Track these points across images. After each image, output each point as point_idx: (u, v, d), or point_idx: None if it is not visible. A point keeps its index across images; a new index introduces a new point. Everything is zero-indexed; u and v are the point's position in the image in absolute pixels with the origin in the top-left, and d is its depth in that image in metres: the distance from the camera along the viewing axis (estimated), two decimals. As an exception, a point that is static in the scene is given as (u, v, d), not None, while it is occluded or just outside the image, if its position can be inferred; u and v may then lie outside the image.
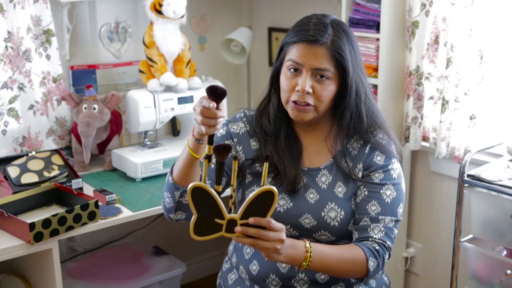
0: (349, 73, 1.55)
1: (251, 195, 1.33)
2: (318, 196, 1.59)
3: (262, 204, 1.33)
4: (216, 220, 1.34)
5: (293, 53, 1.55)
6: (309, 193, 1.60)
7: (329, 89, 1.55)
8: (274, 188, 1.33)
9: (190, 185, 1.32)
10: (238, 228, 1.34)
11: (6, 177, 2.12)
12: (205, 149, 1.42)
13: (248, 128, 1.70)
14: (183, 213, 1.61)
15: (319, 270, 1.50)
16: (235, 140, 1.68)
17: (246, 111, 1.74)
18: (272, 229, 1.35)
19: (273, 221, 1.35)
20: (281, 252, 1.39)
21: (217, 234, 1.36)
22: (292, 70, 1.56)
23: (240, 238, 1.36)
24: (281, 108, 1.64)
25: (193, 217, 1.34)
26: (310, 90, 1.53)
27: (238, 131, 1.69)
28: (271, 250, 1.37)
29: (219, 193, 1.35)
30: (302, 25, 1.57)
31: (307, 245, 1.46)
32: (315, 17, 1.58)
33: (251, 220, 1.33)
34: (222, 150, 1.34)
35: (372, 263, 1.52)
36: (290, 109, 1.58)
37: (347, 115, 1.59)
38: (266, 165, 1.33)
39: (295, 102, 1.55)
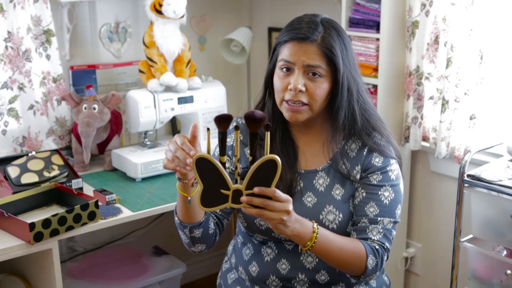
0: (339, 70, 1.54)
1: (254, 165, 1.32)
2: (315, 199, 1.59)
3: (266, 174, 1.33)
4: (222, 191, 1.35)
5: (285, 53, 1.56)
6: (306, 196, 1.60)
7: (322, 86, 1.54)
8: (277, 157, 1.32)
9: (195, 155, 1.34)
10: (243, 198, 1.34)
11: (6, 177, 2.12)
12: (194, 187, 1.49)
13: (241, 137, 1.69)
14: (202, 244, 1.64)
15: (320, 254, 1.49)
16: (229, 153, 1.68)
17: (238, 119, 1.72)
18: (278, 199, 1.35)
19: (278, 191, 1.35)
20: (288, 225, 1.39)
21: (224, 204, 1.36)
22: (284, 69, 1.56)
23: (246, 208, 1.36)
24: (276, 110, 1.64)
25: (199, 188, 1.36)
26: (303, 88, 1.53)
27: (231, 143, 1.68)
28: (277, 221, 1.37)
29: (223, 164, 1.35)
30: (293, 24, 1.58)
31: (315, 226, 1.46)
32: (306, 17, 1.59)
33: (255, 189, 1.33)
34: (223, 120, 1.35)
35: (371, 261, 1.52)
36: (284, 110, 1.58)
37: (341, 114, 1.58)
38: (267, 134, 1.33)
39: (288, 102, 1.55)
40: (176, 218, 1.61)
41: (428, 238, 2.59)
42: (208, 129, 1.37)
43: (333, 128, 1.61)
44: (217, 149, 1.47)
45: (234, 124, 1.68)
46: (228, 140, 1.68)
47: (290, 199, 1.38)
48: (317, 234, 1.45)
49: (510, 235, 1.91)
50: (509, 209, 1.88)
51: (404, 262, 2.64)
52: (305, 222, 1.45)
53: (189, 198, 1.52)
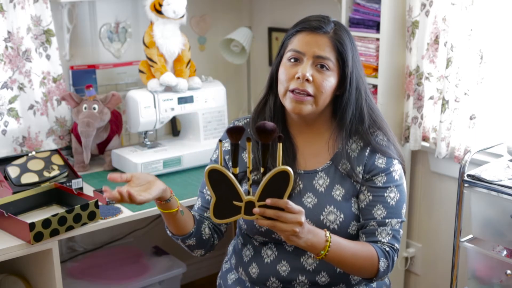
0: (348, 65, 1.54)
1: (266, 176, 1.33)
2: (316, 200, 1.58)
3: (278, 185, 1.33)
4: (234, 202, 1.35)
5: (295, 43, 1.55)
6: (306, 197, 1.59)
7: (329, 80, 1.54)
8: (289, 168, 1.32)
9: (208, 167, 1.34)
10: (256, 209, 1.34)
11: (6, 177, 2.12)
12: (177, 203, 1.52)
13: (239, 142, 1.69)
14: (200, 250, 1.67)
15: (333, 261, 1.49)
16: (226, 157, 1.67)
17: (236, 122, 1.72)
18: (290, 211, 1.35)
19: (290, 203, 1.35)
20: (301, 236, 1.39)
21: (237, 216, 1.37)
22: (292, 60, 1.55)
23: (259, 220, 1.36)
24: (277, 108, 1.63)
25: (212, 199, 1.36)
26: (310, 78, 1.52)
27: (229, 148, 1.68)
28: (289, 233, 1.36)
29: (236, 176, 1.35)
30: (304, 19, 1.59)
31: (327, 234, 1.46)
32: (317, 15, 1.60)
33: (268, 201, 1.33)
34: (235, 132, 1.35)
35: (383, 264, 1.52)
36: (288, 101, 1.56)
37: (349, 112, 1.58)
38: (280, 146, 1.32)
39: (293, 91, 1.53)
40: (168, 232, 1.64)
41: (428, 238, 2.58)
42: (220, 140, 1.38)
43: (339, 126, 1.61)
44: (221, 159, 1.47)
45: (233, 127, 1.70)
46: (225, 145, 1.68)
47: (303, 210, 1.38)
48: (330, 242, 1.45)
49: (510, 235, 1.90)
50: (509, 209, 1.88)
51: (404, 262, 2.64)
52: (318, 231, 1.45)
53: (180, 209, 1.54)
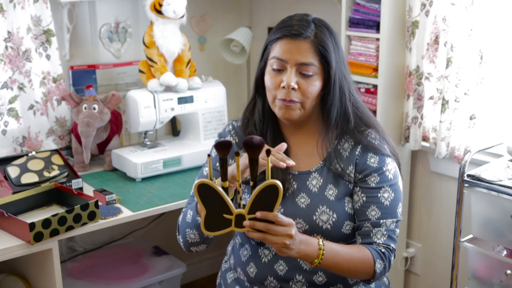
0: (332, 67, 1.54)
1: (255, 190, 1.34)
2: (309, 200, 1.58)
3: (268, 198, 1.34)
4: (225, 215, 1.36)
5: (277, 50, 1.55)
6: (300, 197, 1.59)
7: (314, 84, 1.54)
8: (278, 182, 1.33)
9: (196, 182, 1.35)
10: (246, 222, 1.35)
11: (6, 177, 2.12)
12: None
13: (237, 140, 1.69)
14: (204, 245, 1.65)
15: (328, 268, 1.49)
16: (216, 159, 1.67)
17: (234, 122, 1.73)
18: (280, 224, 1.35)
19: (280, 216, 1.35)
20: (292, 248, 1.39)
21: (228, 229, 1.38)
22: (276, 67, 1.55)
23: (249, 232, 1.36)
24: (266, 111, 1.64)
25: (202, 213, 1.37)
26: (296, 86, 1.52)
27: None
28: (280, 245, 1.37)
29: (225, 189, 1.36)
30: (284, 22, 1.58)
31: (320, 242, 1.46)
32: (297, 16, 1.59)
33: (258, 214, 1.34)
34: (222, 147, 1.36)
35: (379, 265, 1.52)
36: (277, 108, 1.57)
37: (334, 112, 1.58)
38: (268, 160, 1.33)
39: (283, 99, 1.54)
40: (197, 218, 1.56)
41: (428, 238, 2.59)
42: (209, 155, 1.39)
43: (325, 126, 1.61)
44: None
45: (231, 127, 1.72)
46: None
47: (293, 222, 1.38)
48: (323, 250, 1.45)
49: (510, 235, 1.90)
50: (509, 209, 1.88)
51: (404, 262, 2.64)
52: (310, 241, 1.45)
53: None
